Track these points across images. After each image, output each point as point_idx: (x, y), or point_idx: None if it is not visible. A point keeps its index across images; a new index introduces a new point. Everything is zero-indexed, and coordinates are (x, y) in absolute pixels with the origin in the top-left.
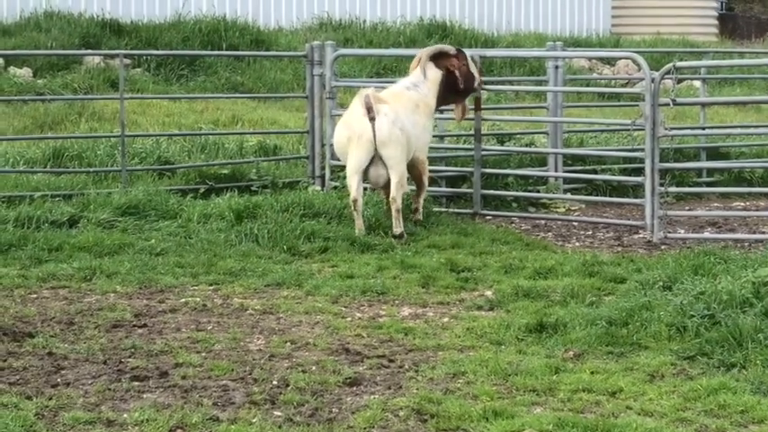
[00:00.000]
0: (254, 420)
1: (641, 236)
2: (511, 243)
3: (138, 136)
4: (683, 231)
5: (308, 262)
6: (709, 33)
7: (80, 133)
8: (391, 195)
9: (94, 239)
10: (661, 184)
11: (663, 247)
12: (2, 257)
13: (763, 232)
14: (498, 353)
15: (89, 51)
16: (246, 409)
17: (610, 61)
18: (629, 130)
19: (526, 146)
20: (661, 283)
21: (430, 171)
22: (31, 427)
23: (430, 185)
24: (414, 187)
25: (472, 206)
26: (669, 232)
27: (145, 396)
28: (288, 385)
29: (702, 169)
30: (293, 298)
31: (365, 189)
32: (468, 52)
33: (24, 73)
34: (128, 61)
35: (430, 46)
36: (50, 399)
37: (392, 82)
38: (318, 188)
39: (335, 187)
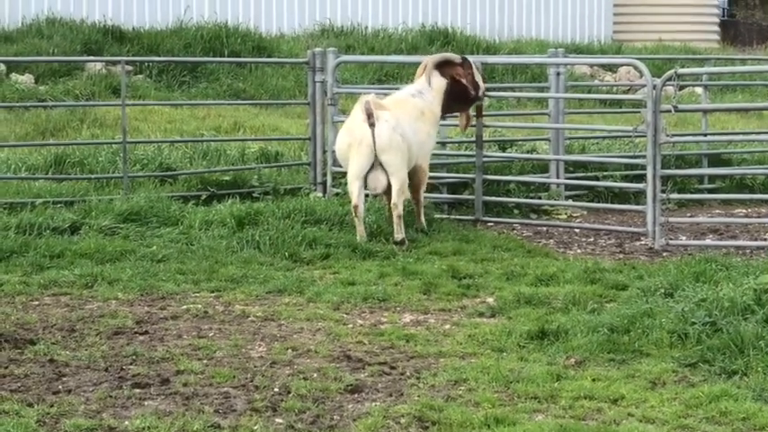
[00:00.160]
0: (255, 428)
1: (643, 243)
2: (512, 250)
3: (139, 142)
4: (684, 238)
5: (309, 269)
6: (710, 40)
7: (82, 140)
8: (392, 201)
9: (96, 246)
10: (663, 191)
11: (664, 253)
12: (3, 264)
13: (765, 239)
14: (500, 360)
15: (91, 58)
16: (248, 417)
17: (611, 68)
18: (630, 136)
19: (528, 152)
20: (663, 290)
21: (431, 177)
22: None
23: (431, 192)
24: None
25: (474, 213)
26: (671, 239)
27: (146, 403)
28: (289, 392)
29: (704, 176)
30: (295, 305)
31: (366, 196)
32: (470, 59)
33: (26, 79)
34: (129, 68)
35: (435, 54)
36: (52, 406)
37: (394, 89)
38: (320, 195)
39: (337, 194)
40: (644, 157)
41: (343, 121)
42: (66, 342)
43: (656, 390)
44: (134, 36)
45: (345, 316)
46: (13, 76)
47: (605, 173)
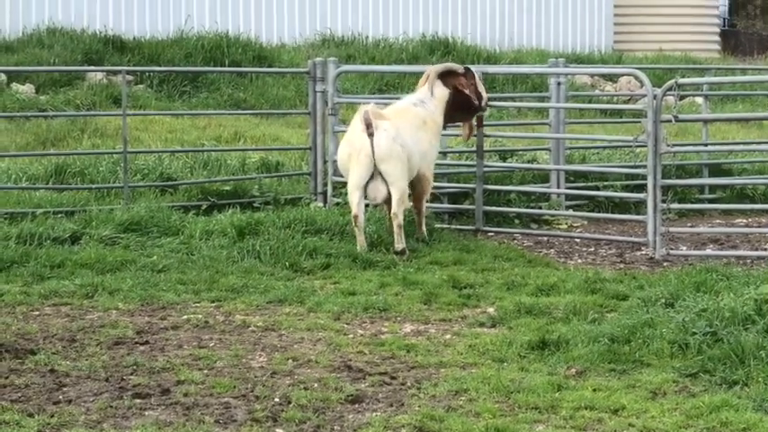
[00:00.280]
0: None
1: (643, 252)
2: (513, 260)
3: (140, 152)
4: (685, 248)
5: (310, 278)
6: (711, 50)
7: (82, 150)
8: (393, 211)
9: (96, 256)
10: (663, 201)
11: (665, 263)
12: (4, 274)
13: (766, 249)
14: (500, 370)
15: (92, 68)
16: (248, 427)
17: (612, 78)
18: (631, 146)
19: (528, 162)
20: (663, 300)
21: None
22: None
23: (432, 201)
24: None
25: (474, 222)
26: (671, 249)
27: (147, 413)
28: (290, 402)
29: (705, 186)
30: (295, 315)
31: (367, 205)
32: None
33: (27, 89)
34: (130, 77)
35: (438, 64)
36: (52, 416)
37: (395, 98)
38: (320, 205)
39: (338, 204)
40: (644, 166)
41: (343, 131)
42: (66, 352)
43: (657, 400)
44: (135, 46)
45: (346, 326)
46: (14, 85)
47: (606, 183)
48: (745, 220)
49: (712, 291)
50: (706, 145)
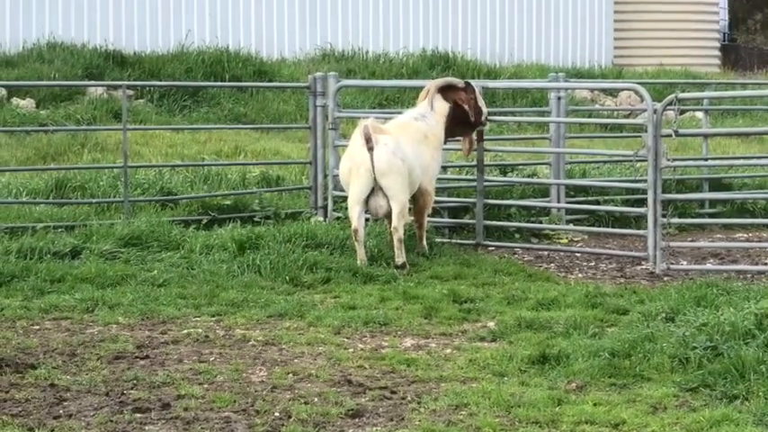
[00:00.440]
0: None
1: (644, 267)
2: (513, 274)
3: (140, 167)
4: (685, 263)
5: (310, 293)
6: (711, 65)
7: (83, 164)
8: (393, 225)
9: (97, 271)
10: (663, 216)
11: (665, 278)
12: (4, 289)
13: (766, 264)
14: (501, 384)
15: (92, 82)
16: None
17: (612, 92)
18: (631, 161)
19: (528, 177)
20: (664, 315)
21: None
22: None
23: (433, 215)
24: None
25: (475, 237)
26: (672, 263)
27: (147, 428)
28: (290, 417)
29: (705, 200)
30: (295, 329)
31: (367, 220)
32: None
33: (27, 104)
34: (131, 92)
35: (438, 78)
36: (52, 430)
37: (395, 113)
38: (321, 219)
39: (338, 218)
40: (645, 181)
41: (344, 146)
42: (66, 366)
43: (658, 414)
44: (135, 60)
45: (346, 340)
46: (15, 100)
47: (606, 197)
48: (745, 235)
49: (713, 305)
50: (706, 159)
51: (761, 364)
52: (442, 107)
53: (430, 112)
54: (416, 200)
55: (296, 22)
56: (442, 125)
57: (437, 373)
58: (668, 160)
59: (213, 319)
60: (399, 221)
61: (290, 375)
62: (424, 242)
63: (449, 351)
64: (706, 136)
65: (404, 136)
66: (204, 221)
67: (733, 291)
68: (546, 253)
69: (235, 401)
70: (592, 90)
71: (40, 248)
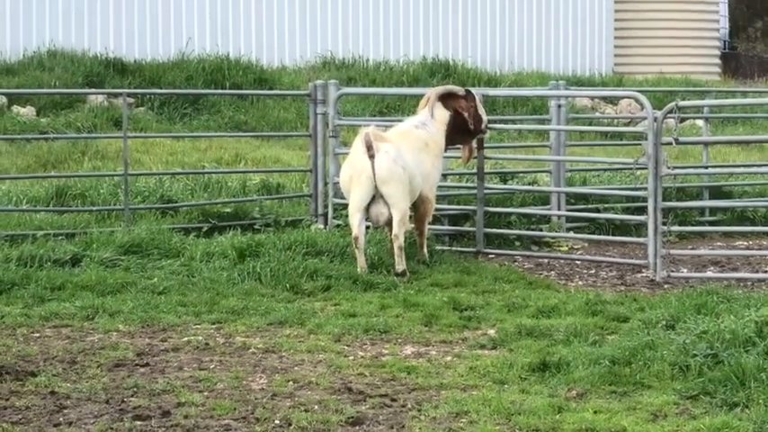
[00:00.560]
0: None
1: (644, 275)
2: (514, 282)
3: (141, 174)
4: (685, 270)
5: (310, 300)
6: (711, 72)
7: (83, 172)
8: (393, 233)
9: (97, 278)
10: (664, 223)
11: (666, 286)
12: (5, 296)
13: (766, 271)
14: (501, 392)
15: (92, 90)
16: None
17: (612, 100)
18: (631, 168)
19: (529, 184)
20: (664, 323)
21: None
22: None
23: (433, 223)
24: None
25: (475, 245)
26: (672, 271)
27: None
28: (290, 425)
29: (705, 208)
30: (296, 336)
31: (367, 227)
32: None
33: (28, 111)
34: (131, 100)
35: (438, 86)
36: None
37: (395, 121)
38: (321, 226)
39: (338, 225)
40: (645, 189)
41: (344, 154)
42: (67, 374)
43: (658, 422)
44: (136, 68)
45: (346, 348)
46: (15, 108)
47: (606, 205)
48: (745, 243)
49: (713, 313)
50: (707, 167)
51: (761, 371)
52: (443, 115)
53: (430, 120)
54: (417, 207)
55: (296, 29)
56: (443, 133)
57: (437, 380)
58: (668, 168)
59: (213, 326)
60: (400, 229)
61: (291, 383)
62: (425, 250)
63: (449, 359)
64: (706, 144)
65: (405, 144)
66: (204, 229)
67: (733, 298)
68: (546, 261)
69: (235, 409)
70: (592, 98)
71: (41, 256)
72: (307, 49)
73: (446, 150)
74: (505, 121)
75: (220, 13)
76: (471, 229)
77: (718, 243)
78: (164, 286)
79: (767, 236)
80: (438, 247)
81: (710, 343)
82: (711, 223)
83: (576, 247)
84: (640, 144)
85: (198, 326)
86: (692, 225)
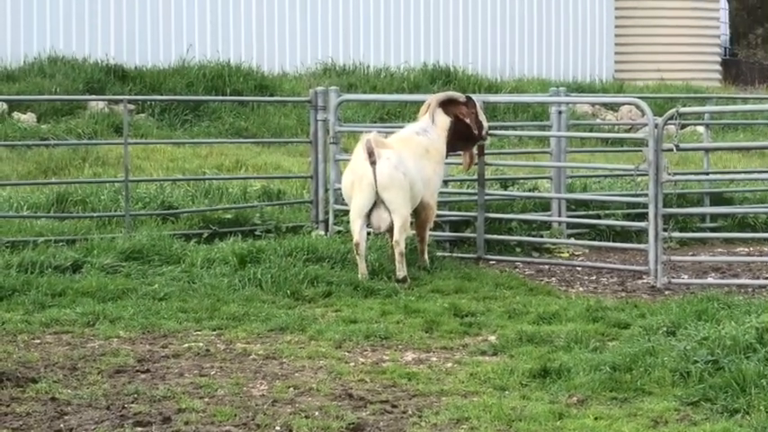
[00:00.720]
0: None
1: (645, 281)
2: (514, 288)
3: (141, 181)
4: (686, 277)
5: (311, 306)
6: (712, 79)
7: (84, 178)
8: (394, 239)
9: (98, 284)
10: (665, 230)
11: (666, 292)
12: (5, 302)
13: (767, 278)
14: (502, 398)
15: (93, 97)
16: None
17: (613, 107)
18: (632, 175)
19: (529, 191)
20: (665, 329)
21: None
22: None
23: (434, 229)
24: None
25: (476, 251)
26: (673, 277)
27: None
28: (291, 431)
29: (706, 214)
30: (296, 343)
31: (368, 233)
32: (474, 98)
33: (28, 118)
34: (132, 107)
35: (439, 92)
36: None
37: (396, 127)
38: (322, 233)
39: (339, 232)
40: (646, 195)
41: (344, 160)
42: (67, 380)
43: (659, 428)
44: (136, 75)
45: (347, 354)
46: (16, 114)
47: (607, 211)
48: (746, 249)
49: (714, 319)
50: (707, 174)
51: (762, 378)
52: (444, 121)
53: (431, 127)
54: (418, 214)
55: (297, 36)
56: (444, 139)
57: (438, 386)
58: (669, 174)
59: (214, 332)
60: (401, 235)
61: (291, 389)
62: (426, 256)
63: (450, 365)
64: (707, 150)
65: (406, 150)
66: (205, 235)
67: (734, 305)
68: (547, 267)
69: (236, 415)
70: (593, 104)
71: (41, 262)
72: (307, 55)
73: (447, 156)
74: (506, 128)
75: (221, 19)
76: (472, 235)
77: (719, 249)
78: (164, 292)
79: None
80: (439, 254)
81: (711, 349)
82: (712, 230)
83: (576, 253)
84: (641, 150)
85: (199, 332)
86: (693, 231)
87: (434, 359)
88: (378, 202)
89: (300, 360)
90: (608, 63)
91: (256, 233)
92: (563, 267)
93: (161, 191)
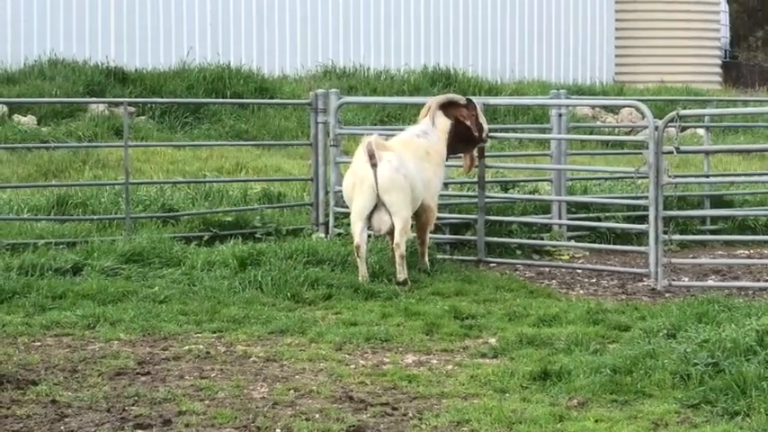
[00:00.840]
0: None
1: (645, 283)
2: (515, 290)
3: (142, 183)
4: (686, 279)
5: (311, 309)
6: (712, 81)
7: (84, 181)
8: (395, 241)
9: (98, 287)
10: (665, 232)
11: (667, 294)
12: (6, 305)
13: (767, 280)
14: (502, 401)
15: (93, 99)
16: None
17: (613, 109)
18: (632, 177)
19: (530, 193)
20: (665, 331)
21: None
22: None
23: (434, 232)
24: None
25: (476, 253)
26: (673, 280)
27: None
28: None
29: (706, 217)
30: (297, 345)
31: (369, 236)
32: (474, 101)
33: (28, 121)
34: (132, 109)
35: (439, 95)
36: None
37: (396, 130)
38: (322, 235)
39: (339, 234)
40: (646, 198)
41: (345, 162)
42: (68, 383)
43: (659, 431)
44: (137, 77)
45: (347, 356)
46: (16, 117)
47: (608, 214)
48: (746, 252)
49: (714, 322)
50: (708, 176)
51: (762, 380)
52: (444, 124)
53: (432, 129)
54: (419, 216)
55: (297, 38)
56: (444, 142)
57: (438, 389)
58: (669, 177)
59: (214, 335)
60: (402, 238)
61: (292, 392)
62: (426, 258)
63: (450, 367)
64: (707, 153)
65: (406, 153)
66: (205, 238)
67: (734, 307)
68: (547, 269)
69: (236, 418)
70: (593, 107)
71: (42, 265)
72: (308, 57)
73: (447, 159)
74: (506, 130)
75: (221, 22)
76: (472, 237)
77: (720, 252)
78: (165, 295)
79: None
80: (439, 256)
81: (711, 352)
82: (712, 232)
83: (577, 255)
84: (641, 153)
85: (199, 334)
86: (693, 234)
87: (435, 361)
88: (379, 204)
89: (301, 362)
90: (608, 65)
91: (257, 236)
92: (563, 270)
93: (161, 193)
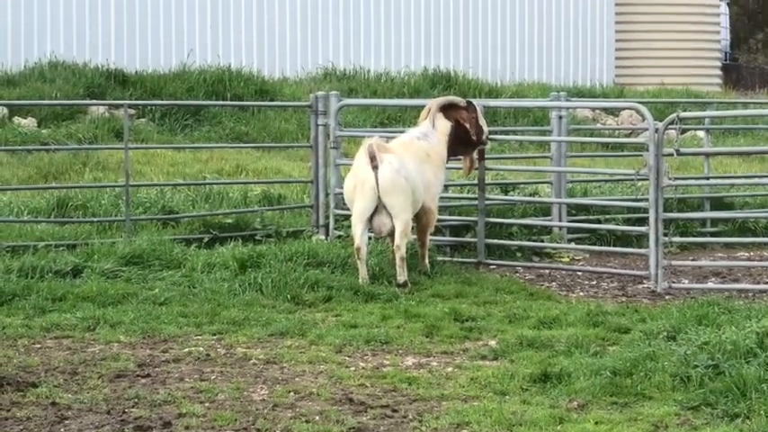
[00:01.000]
0: None
1: (645, 286)
2: (515, 293)
3: (142, 185)
4: (687, 281)
5: (311, 311)
6: (713, 84)
7: (84, 183)
8: (395, 243)
9: (98, 289)
10: (665, 234)
11: (667, 297)
12: (6, 307)
13: (767, 282)
14: (502, 403)
15: (93, 101)
16: None
17: (613, 111)
18: (632, 179)
19: (530, 195)
20: (665, 333)
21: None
22: None
23: (434, 234)
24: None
25: (476, 255)
26: (673, 282)
27: None
28: None
29: (706, 219)
30: (297, 347)
31: (369, 238)
32: (474, 103)
33: (29, 123)
34: (132, 111)
35: (439, 97)
36: None
37: (396, 132)
38: (322, 237)
39: (339, 236)
40: (646, 200)
41: (345, 164)
42: (68, 385)
43: None
44: (137, 80)
45: (347, 359)
46: (16, 119)
47: (608, 216)
48: (746, 254)
49: (714, 324)
50: (708, 178)
51: (762, 382)
52: (444, 126)
53: (432, 131)
54: (419, 218)
55: (297, 41)
56: (444, 144)
57: (438, 391)
58: (670, 179)
59: (214, 337)
60: (402, 240)
61: (292, 394)
62: (426, 260)
63: (450, 369)
64: (707, 155)
65: (407, 155)
66: (206, 240)
67: (734, 309)
68: (547, 272)
69: (236, 420)
70: (593, 109)
71: (42, 267)
72: (308, 60)
73: (448, 161)
74: (506, 132)
75: (222, 24)
76: (472, 239)
77: (720, 254)
78: (165, 297)
79: None
80: (439, 258)
81: (712, 354)
82: (713, 234)
83: (577, 257)
84: (641, 155)
85: (199, 337)
86: (694, 236)
87: (435, 364)
88: (379, 206)
89: (301, 365)
90: (608, 67)
91: (257, 238)
92: (563, 272)
93: (161, 195)
